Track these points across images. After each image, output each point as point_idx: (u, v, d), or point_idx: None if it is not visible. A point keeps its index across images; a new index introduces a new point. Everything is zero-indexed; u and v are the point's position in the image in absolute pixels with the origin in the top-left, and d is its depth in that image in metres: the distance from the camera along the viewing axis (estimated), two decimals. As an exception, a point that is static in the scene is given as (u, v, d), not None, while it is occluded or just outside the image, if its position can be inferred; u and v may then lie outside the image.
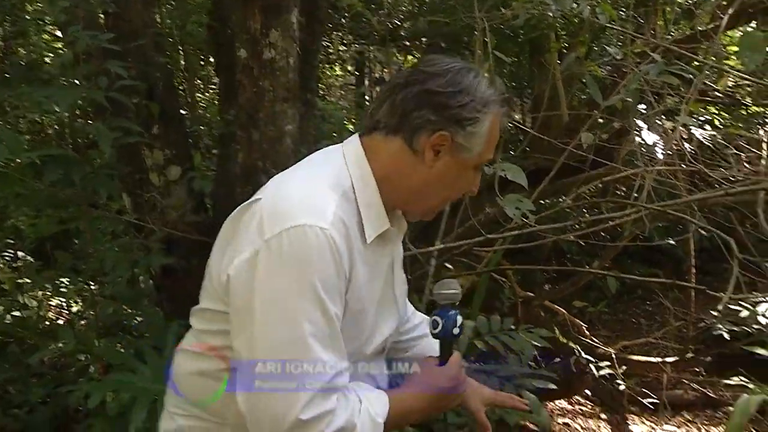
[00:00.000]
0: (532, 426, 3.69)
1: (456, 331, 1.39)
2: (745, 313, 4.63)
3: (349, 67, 7.51)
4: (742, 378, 3.54)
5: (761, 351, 3.73)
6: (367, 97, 5.83)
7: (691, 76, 3.03)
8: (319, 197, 1.21)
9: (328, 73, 6.70)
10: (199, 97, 5.44)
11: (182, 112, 3.11)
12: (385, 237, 1.32)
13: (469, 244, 3.03)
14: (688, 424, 4.16)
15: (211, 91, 5.51)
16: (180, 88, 4.69)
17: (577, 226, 3.23)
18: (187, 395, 1.36)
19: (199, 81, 5.50)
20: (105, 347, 2.64)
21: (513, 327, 3.23)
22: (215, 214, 2.71)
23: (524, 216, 2.53)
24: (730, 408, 3.37)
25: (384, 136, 1.29)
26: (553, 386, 2.96)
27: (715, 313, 4.82)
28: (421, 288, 3.09)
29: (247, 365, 1.19)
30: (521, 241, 3.32)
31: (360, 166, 1.29)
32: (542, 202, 3.89)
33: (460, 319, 1.40)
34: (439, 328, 1.38)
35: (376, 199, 1.29)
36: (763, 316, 4.54)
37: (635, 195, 3.25)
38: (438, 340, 1.40)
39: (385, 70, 6.30)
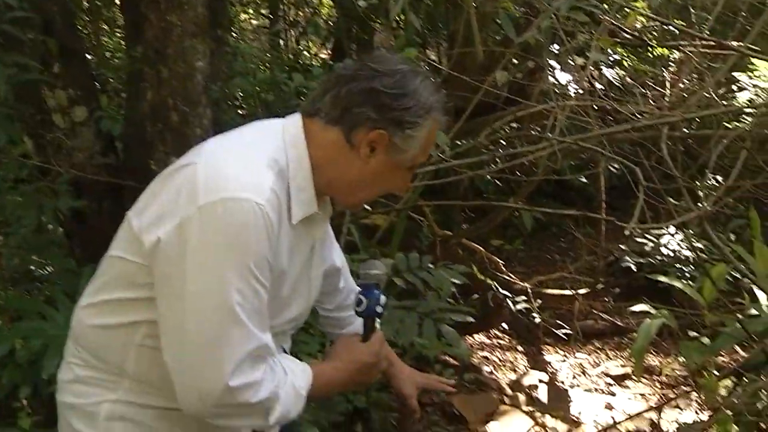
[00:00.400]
0: (451, 360, 3.82)
1: (379, 309, 1.46)
2: (650, 246, 4.90)
3: (263, 11, 7.31)
4: (646, 305, 3.74)
5: (663, 279, 3.95)
6: (281, 40, 5.71)
7: (600, 13, 3.10)
8: (256, 172, 1.22)
9: (242, 16, 6.52)
10: (106, 41, 5.19)
11: (87, 55, 2.97)
12: (310, 220, 1.34)
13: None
14: (598, 351, 4.39)
15: (117, 35, 5.27)
16: (84, 31, 4.48)
17: (493, 164, 3.32)
18: (86, 347, 1.35)
19: (105, 26, 5.26)
20: (12, 297, 2.55)
21: (431, 264, 3.31)
22: (126, 156, 2.63)
23: (441, 152, 2.57)
24: (635, 334, 3.57)
25: (323, 124, 1.30)
26: (471, 320, 3.07)
27: (623, 247, 5.08)
28: (340, 225, 3.11)
29: (174, 330, 1.20)
30: (438, 178, 3.37)
31: (297, 148, 1.30)
32: (458, 143, 3.94)
33: (383, 298, 1.47)
34: (363, 306, 1.45)
35: (308, 183, 1.30)
36: (666, 247, 4.82)
37: (548, 134, 3.34)
38: (362, 318, 1.46)
39: (300, 12, 6.18)
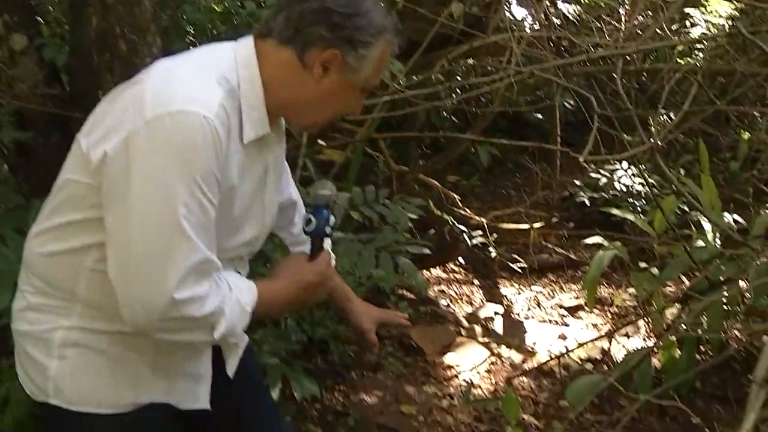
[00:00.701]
0: (408, 294, 3.88)
1: (328, 230, 1.46)
2: (603, 181, 5.00)
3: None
4: (599, 237, 3.84)
5: (616, 212, 4.05)
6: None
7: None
8: (206, 88, 1.22)
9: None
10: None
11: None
12: (262, 142, 1.34)
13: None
14: (552, 284, 4.50)
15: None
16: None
17: (449, 96, 3.31)
18: (38, 275, 1.34)
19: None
20: (-43, 235, 2.49)
21: (388, 199, 3.33)
22: (72, 87, 2.55)
23: (396, 83, 2.55)
24: (589, 267, 3.67)
25: (276, 45, 1.30)
26: (427, 251, 3.11)
27: (577, 182, 5.17)
28: (295, 158, 3.10)
29: (119, 242, 1.20)
30: (396, 109, 3.36)
31: (249, 68, 1.29)
32: (415, 77, 3.92)
33: (332, 219, 1.47)
34: (312, 226, 1.45)
35: (260, 102, 1.30)
36: (619, 182, 4.92)
37: (505, 66, 3.34)
38: (310, 237, 1.46)
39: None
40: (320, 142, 3.89)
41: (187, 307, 1.19)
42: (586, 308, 4.10)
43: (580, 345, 3.40)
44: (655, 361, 3.47)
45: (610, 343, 3.49)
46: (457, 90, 4.17)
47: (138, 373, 1.36)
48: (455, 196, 4.69)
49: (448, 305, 4.05)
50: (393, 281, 2.76)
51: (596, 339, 3.38)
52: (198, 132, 1.16)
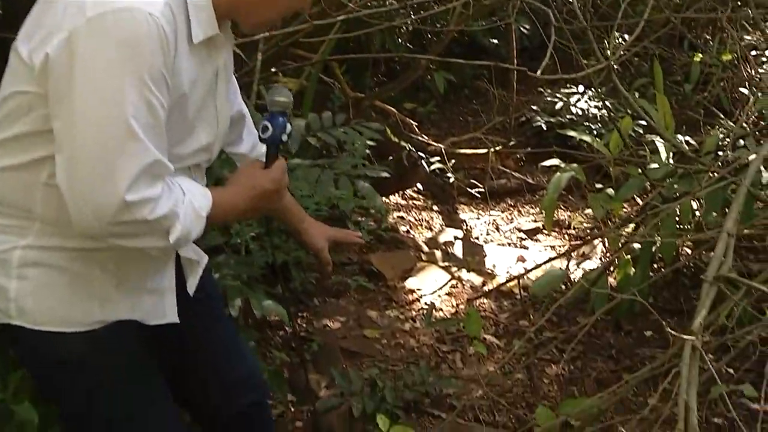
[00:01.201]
0: (369, 222, 3.91)
1: (284, 137, 1.45)
2: (560, 105, 5.04)
3: None
4: (556, 160, 3.90)
5: (572, 133, 4.10)
6: None
7: None
8: None
9: None
10: None
11: None
12: (212, 44, 1.31)
13: (298, 31, 2.98)
14: (511, 208, 4.57)
15: None
16: None
17: (406, 22, 3.27)
18: None
19: None
20: None
21: (344, 124, 3.32)
22: (5, 8, 2.45)
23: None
24: (546, 191, 3.74)
25: None
26: (386, 175, 3.12)
27: (534, 107, 5.20)
28: (249, 85, 3.05)
29: (67, 146, 1.17)
30: (351, 31, 3.32)
31: None
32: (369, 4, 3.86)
33: (289, 126, 1.46)
34: (269, 133, 1.43)
35: (206, 2, 1.27)
36: (575, 106, 4.97)
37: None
38: (265, 145, 1.45)
39: None
40: (274, 69, 3.83)
41: (138, 210, 1.17)
42: (544, 231, 4.19)
43: (538, 266, 3.48)
44: (612, 280, 3.59)
45: (567, 262, 3.58)
46: (413, 9, 4.12)
47: (102, 290, 1.36)
48: (412, 122, 4.69)
49: (408, 231, 4.10)
50: (351, 203, 2.78)
51: (554, 259, 3.46)
52: (143, 28, 1.14)
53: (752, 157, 2.08)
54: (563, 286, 3.63)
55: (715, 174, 2.77)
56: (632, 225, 3.64)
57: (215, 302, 1.73)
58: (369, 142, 3.41)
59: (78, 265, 1.33)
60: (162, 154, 1.21)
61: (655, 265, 3.65)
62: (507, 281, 3.40)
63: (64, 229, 1.28)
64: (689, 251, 3.63)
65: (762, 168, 2.90)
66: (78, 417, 1.47)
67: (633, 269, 3.43)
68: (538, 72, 2.38)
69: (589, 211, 4.18)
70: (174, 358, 1.56)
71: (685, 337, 1.31)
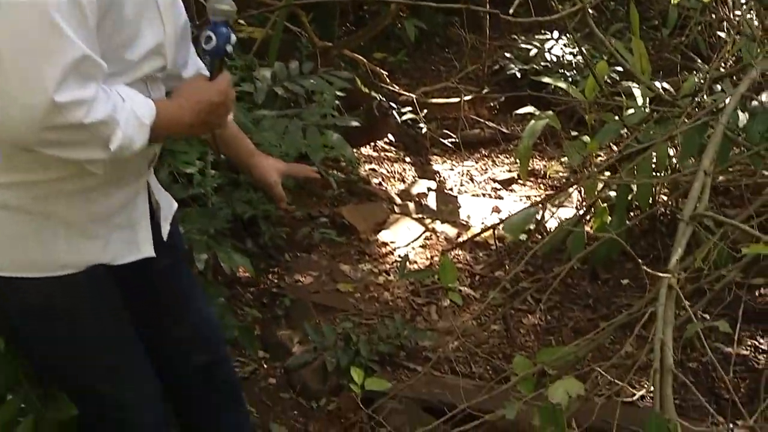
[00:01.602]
0: (340, 174, 3.87)
1: (228, 48, 1.39)
2: (534, 52, 5.00)
3: None
4: (531, 107, 3.87)
5: (547, 80, 4.07)
6: None
7: None
8: None
9: None
10: None
11: None
12: None
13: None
14: (485, 158, 4.56)
15: None
16: None
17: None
18: None
19: None
20: None
21: (312, 73, 3.25)
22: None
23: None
24: (521, 140, 3.72)
25: None
26: (355, 124, 3.08)
27: (507, 55, 5.15)
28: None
29: None
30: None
31: None
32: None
33: (233, 37, 1.40)
34: (212, 44, 1.37)
35: None
36: (549, 52, 4.93)
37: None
38: (209, 57, 1.39)
39: None
40: (240, 20, 3.74)
41: (71, 112, 1.12)
42: (520, 181, 4.19)
43: (513, 215, 3.47)
44: (588, 229, 3.60)
45: (543, 211, 3.57)
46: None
47: (69, 232, 1.33)
48: (383, 72, 4.62)
49: (380, 183, 4.07)
50: (321, 153, 2.74)
51: (529, 208, 3.45)
52: None
53: (728, 100, 2.06)
54: (539, 236, 3.64)
55: (692, 117, 2.76)
56: (608, 173, 3.65)
57: (180, 254, 1.69)
58: (338, 93, 3.35)
59: (42, 205, 1.29)
60: (93, 52, 1.15)
61: (632, 214, 3.67)
62: (482, 231, 3.39)
63: (23, 163, 1.24)
64: (666, 198, 3.65)
65: (739, 111, 2.90)
66: (47, 367, 1.45)
67: (609, 218, 3.44)
68: (510, 11, 2.33)
69: (565, 159, 4.18)
70: (137, 309, 1.53)
71: (660, 275, 1.31)
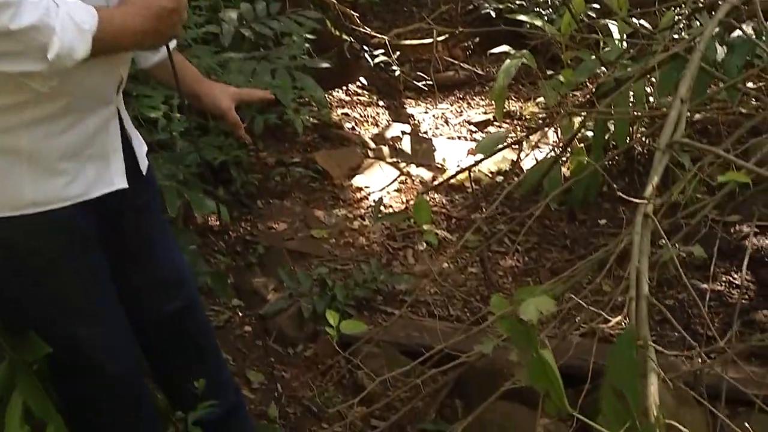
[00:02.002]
0: (311, 120, 3.83)
1: None
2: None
3: None
4: (506, 47, 3.85)
5: (523, 18, 4.04)
6: None
7: None
8: None
9: None
10: None
11: None
12: None
13: None
14: (460, 101, 4.54)
15: None
16: None
17: None
18: None
19: None
20: None
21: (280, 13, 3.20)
22: None
23: None
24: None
25: None
26: (326, 65, 3.04)
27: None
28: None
29: None
30: None
31: None
32: None
33: None
34: None
35: None
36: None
37: None
38: None
39: None
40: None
41: None
42: (495, 122, 4.18)
43: (488, 156, 3.48)
44: (565, 171, 3.62)
45: (519, 151, 3.58)
46: None
47: (34, 168, 1.30)
48: (353, 14, 4.54)
49: (354, 128, 4.04)
50: (290, 94, 2.70)
51: (504, 148, 3.45)
52: None
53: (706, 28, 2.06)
54: (516, 178, 3.65)
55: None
56: (585, 113, 3.65)
57: (156, 194, 1.68)
58: (308, 36, 3.30)
59: (2, 140, 1.27)
60: None
61: (610, 154, 3.69)
62: (457, 173, 3.38)
63: None
64: (643, 138, 3.67)
65: (717, 45, 2.91)
66: (16, 310, 1.44)
67: (587, 158, 3.46)
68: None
69: (541, 99, 4.17)
70: (110, 249, 1.52)
71: (636, 200, 1.32)
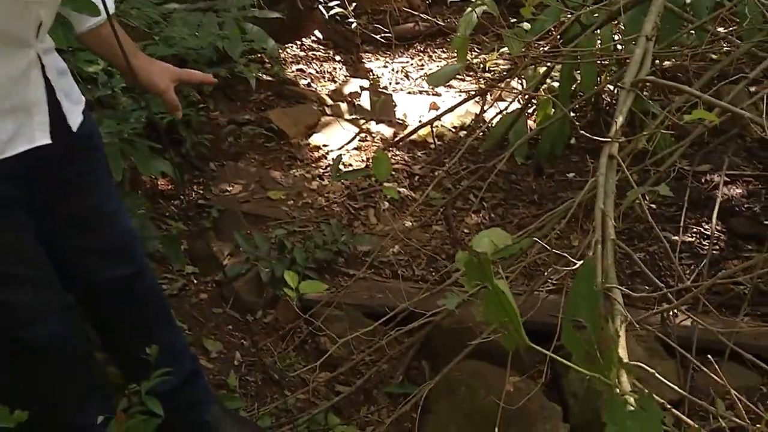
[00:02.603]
0: (265, 77, 3.77)
1: None
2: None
3: None
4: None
5: (485, -37, 3.97)
6: None
7: None
8: None
9: None
10: None
11: None
12: None
13: None
14: (420, 54, 4.50)
15: None
16: None
17: None
18: None
19: None
20: None
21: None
22: None
23: None
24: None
25: None
26: (277, 15, 2.97)
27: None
28: None
29: None
30: None
31: None
32: None
33: None
34: None
35: None
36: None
37: None
38: None
39: None
40: None
41: None
42: (458, 75, 4.15)
43: (451, 109, 3.45)
44: (531, 123, 3.61)
45: (483, 103, 3.57)
46: None
47: None
48: (306, -38, 4.46)
49: (309, 84, 3.98)
50: (240, 46, 2.63)
51: (467, 100, 3.43)
52: None
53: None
54: (481, 134, 3.64)
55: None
56: (550, 63, 3.63)
57: (100, 155, 1.62)
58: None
59: None
60: None
61: (576, 102, 3.69)
62: (419, 128, 3.36)
63: None
64: (611, 87, 3.68)
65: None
66: None
67: (553, 110, 3.45)
68: None
69: (505, 50, 4.14)
70: (47, 214, 1.47)
71: (601, 139, 1.31)
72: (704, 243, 2.92)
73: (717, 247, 2.89)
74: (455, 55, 4.21)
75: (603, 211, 1.12)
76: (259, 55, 3.71)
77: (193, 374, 1.87)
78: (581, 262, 0.87)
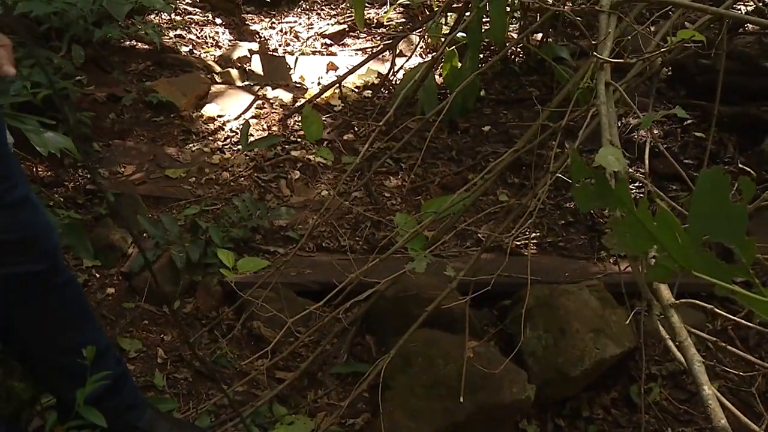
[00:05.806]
0: (140, 45, 3.57)
1: None
2: None
3: None
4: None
5: None
6: None
7: None
8: None
9: None
10: None
11: None
12: None
13: None
14: (308, 12, 4.40)
15: None
16: None
17: None
18: None
19: None
20: None
21: None
22: None
23: None
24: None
25: None
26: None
27: None
28: None
29: None
30: None
31: None
32: None
33: None
34: None
35: None
36: None
37: None
38: None
39: None
40: None
41: None
42: (352, 33, 4.09)
43: (353, 69, 3.39)
44: (437, 78, 3.59)
45: (393, 61, 3.52)
46: None
47: None
48: None
49: (192, 51, 3.81)
50: (126, 5, 2.45)
51: (369, 59, 3.38)
52: None
53: None
54: (386, 92, 3.60)
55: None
56: (453, 14, 3.63)
57: None
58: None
59: None
60: None
61: (482, 56, 3.70)
62: (322, 91, 3.28)
63: None
64: (517, 37, 3.71)
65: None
66: None
67: (459, 63, 3.44)
68: None
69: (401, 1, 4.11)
70: None
71: (596, 55, 1.27)
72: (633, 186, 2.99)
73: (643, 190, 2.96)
74: (346, 11, 4.15)
75: (611, 143, 1.09)
76: (130, 21, 3.52)
77: (120, 377, 1.75)
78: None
